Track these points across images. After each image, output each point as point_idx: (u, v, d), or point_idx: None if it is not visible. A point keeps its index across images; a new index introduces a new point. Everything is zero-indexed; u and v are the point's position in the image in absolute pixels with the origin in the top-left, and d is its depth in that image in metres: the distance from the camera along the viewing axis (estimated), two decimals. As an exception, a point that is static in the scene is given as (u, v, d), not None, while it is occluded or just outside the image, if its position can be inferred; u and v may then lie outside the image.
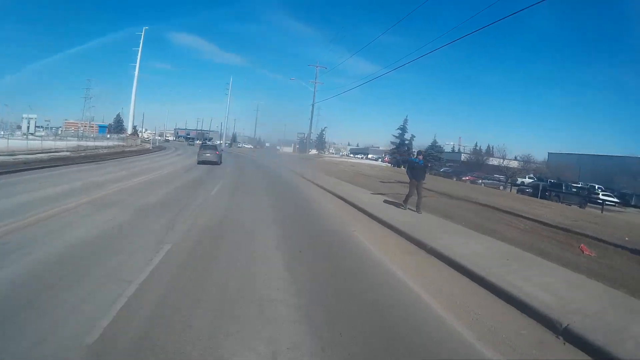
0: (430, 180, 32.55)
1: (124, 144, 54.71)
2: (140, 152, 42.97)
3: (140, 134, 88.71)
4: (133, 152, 40.81)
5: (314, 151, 77.38)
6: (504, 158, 58.98)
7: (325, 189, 17.79)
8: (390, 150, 77.99)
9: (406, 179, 13.42)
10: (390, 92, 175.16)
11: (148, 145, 58.61)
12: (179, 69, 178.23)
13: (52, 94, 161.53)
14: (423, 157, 13.50)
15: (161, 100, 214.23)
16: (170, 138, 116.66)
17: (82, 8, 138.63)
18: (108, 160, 27.80)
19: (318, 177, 23.23)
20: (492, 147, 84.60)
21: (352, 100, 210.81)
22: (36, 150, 25.61)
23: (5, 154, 22.00)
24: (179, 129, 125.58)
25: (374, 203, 13.75)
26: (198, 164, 29.21)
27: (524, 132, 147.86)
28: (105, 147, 41.72)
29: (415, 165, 12.91)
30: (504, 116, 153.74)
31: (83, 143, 41.48)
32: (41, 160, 21.32)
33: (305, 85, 47.24)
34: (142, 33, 66.80)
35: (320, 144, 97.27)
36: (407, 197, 12.81)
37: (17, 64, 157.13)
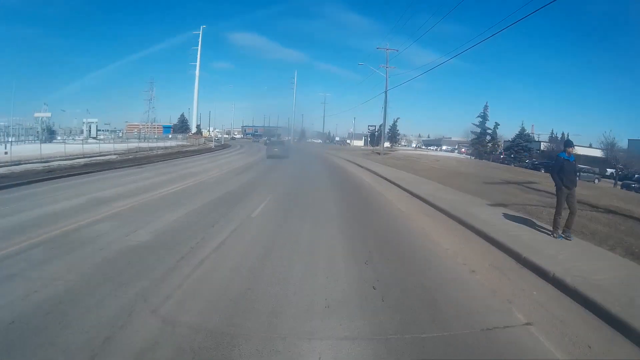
0: (520, 175, 25.42)
1: (186, 143, 53.07)
2: (200, 152, 40.28)
3: (206, 133, 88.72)
4: (191, 152, 38.11)
5: (387, 144, 71.20)
6: (612, 146, 48.84)
7: (421, 199, 12.44)
8: (471, 140, 69.04)
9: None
10: (457, 81, 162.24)
11: (211, 144, 56.48)
12: (243, 68, 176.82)
13: (114, 98, 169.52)
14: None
15: (227, 99, 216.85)
16: (237, 136, 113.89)
17: (140, 13, 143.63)
18: (155, 162, 24.60)
19: (403, 179, 17.75)
20: (568, 135, 73.13)
21: (417, 91, 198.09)
22: (75, 155, 23.03)
23: (37, 160, 19.24)
24: (246, 126, 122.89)
25: (512, 229, 8.19)
26: (267, 158, 30.81)
27: (596, 117, 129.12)
28: (163, 148, 39.57)
29: (566, 164, 7.53)
30: (574, 102, 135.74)
31: (141, 144, 39.73)
32: (72, 167, 18.34)
33: (375, 71, 41.83)
34: (200, 32, 65.85)
35: (393, 136, 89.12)
36: (557, 215, 7.60)
37: (79, 71, 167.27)
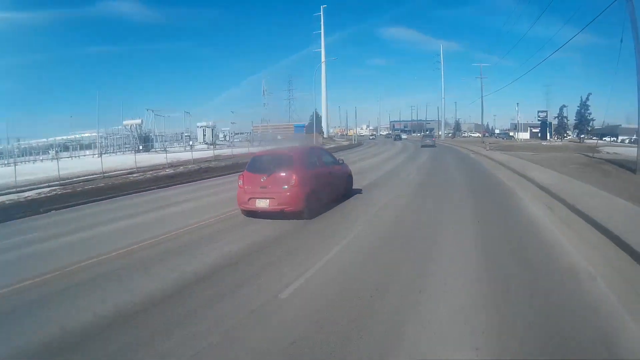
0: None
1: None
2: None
3: (352, 132, 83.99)
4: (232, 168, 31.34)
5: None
6: None
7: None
8: None
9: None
10: None
11: (334, 144, 49.75)
12: (395, 63, 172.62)
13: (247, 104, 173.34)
14: None
15: (376, 96, 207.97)
16: (383, 133, 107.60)
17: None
18: (188, 183, 17.58)
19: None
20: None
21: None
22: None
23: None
24: (394, 121, 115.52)
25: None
26: (421, 147, 37.12)
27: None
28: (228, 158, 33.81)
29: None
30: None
31: (231, 150, 34.77)
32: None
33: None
34: (322, 12, 62.79)
35: (581, 123, 54.66)
36: None
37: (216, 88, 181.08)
